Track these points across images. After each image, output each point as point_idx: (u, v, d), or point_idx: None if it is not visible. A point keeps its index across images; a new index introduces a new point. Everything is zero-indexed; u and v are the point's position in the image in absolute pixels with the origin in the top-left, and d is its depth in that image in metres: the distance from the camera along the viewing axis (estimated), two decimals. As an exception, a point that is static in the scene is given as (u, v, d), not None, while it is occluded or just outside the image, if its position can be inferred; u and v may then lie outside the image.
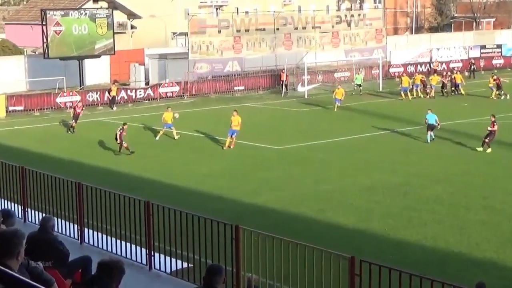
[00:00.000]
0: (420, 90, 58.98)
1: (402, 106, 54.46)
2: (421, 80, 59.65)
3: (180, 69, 62.25)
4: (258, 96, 62.02)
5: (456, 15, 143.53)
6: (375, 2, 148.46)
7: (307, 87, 62.40)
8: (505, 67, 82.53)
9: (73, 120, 45.30)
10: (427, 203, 27.48)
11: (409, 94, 57.68)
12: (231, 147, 38.67)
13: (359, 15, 74.14)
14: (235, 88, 63.82)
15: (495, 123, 37.23)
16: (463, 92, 59.53)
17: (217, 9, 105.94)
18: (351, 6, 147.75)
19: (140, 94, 59.11)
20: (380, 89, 63.00)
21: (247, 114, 50.92)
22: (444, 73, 64.42)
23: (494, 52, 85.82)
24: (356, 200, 28.10)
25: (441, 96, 58.85)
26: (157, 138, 42.08)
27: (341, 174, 32.71)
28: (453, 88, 60.45)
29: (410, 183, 30.58)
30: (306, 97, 60.48)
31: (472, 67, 74.38)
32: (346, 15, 73.45)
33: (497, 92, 56.55)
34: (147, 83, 65.48)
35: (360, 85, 61.55)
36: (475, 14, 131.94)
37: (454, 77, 61.74)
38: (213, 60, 63.03)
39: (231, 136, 38.86)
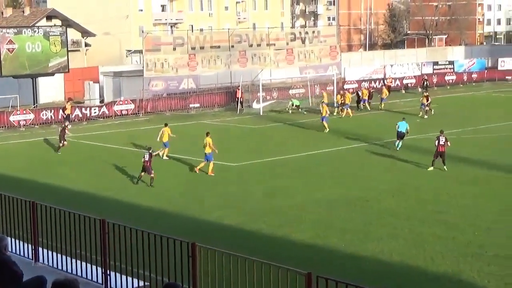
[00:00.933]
0: (340, 109, 59.25)
1: (357, 122, 54.75)
2: (341, 98, 60.20)
3: (135, 86, 62.00)
4: (214, 113, 61.96)
5: (409, 32, 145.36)
6: (329, 20, 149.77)
7: (262, 104, 62.53)
8: (458, 83, 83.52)
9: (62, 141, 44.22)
10: (383, 217, 27.60)
11: (366, 105, 59.15)
12: (206, 172, 36.37)
13: (314, 32, 74.62)
14: (191, 105, 63.68)
15: (438, 141, 36.80)
16: (368, 108, 61.15)
17: (171, 26, 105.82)
18: (306, 24, 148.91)
19: (95, 112, 58.70)
20: (335, 106, 63.27)
21: (202, 131, 50.68)
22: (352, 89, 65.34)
23: (447, 68, 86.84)
24: (314, 215, 28.12)
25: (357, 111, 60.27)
26: (164, 157, 40.66)
27: (299, 189, 32.72)
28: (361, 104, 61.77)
29: (367, 197, 30.71)
30: (261, 114, 60.57)
31: (425, 83, 75.18)
32: (300, 32, 73.91)
33: (427, 109, 55.99)
34: (101, 101, 65.08)
35: (298, 106, 61.44)
36: (428, 31, 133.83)
37: (362, 92, 63.06)
38: (168, 78, 62.86)
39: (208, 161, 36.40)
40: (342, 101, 59.34)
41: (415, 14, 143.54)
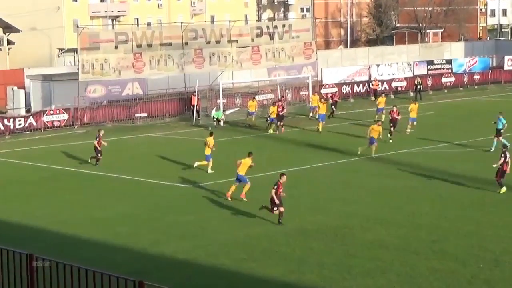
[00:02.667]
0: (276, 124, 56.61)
1: (336, 135, 54.91)
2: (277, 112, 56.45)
3: (69, 93, 61.64)
4: (164, 125, 61.81)
5: (398, 25, 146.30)
6: (302, 11, 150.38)
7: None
8: (457, 86, 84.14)
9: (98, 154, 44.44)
10: (369, 248, 27.65)
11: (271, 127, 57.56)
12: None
13: (284, 26, 74.74)
14: (137, 115, 63.47)
15: (502, 156, 36.17)
16: (271, 131, 56.72)
17: (113, 20, 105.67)
18: (274, 16, 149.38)
19: (20, 124, 58.33)
20: (311, 115, 63.41)
21: (151, 146, 50.73)
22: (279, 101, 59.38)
23: (443, 68, 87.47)
24: (286, 247, 28.10)
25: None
26: (209, 170, 42.05)
27: (267, 216, 32.67)
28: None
29: (349, 225, 30.76)
30: (222, 124, 60.50)
31: (419, 86, 75.38)
32: (268, 27, 73.95)
33: (391, 130, 51.64)
34: (28, 111, 64.68)
35: (218, 120, 60.44)
36: (420, 24, 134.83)
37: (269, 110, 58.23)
38: (109, 82, 62.63)
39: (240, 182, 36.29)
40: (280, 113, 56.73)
41: (405, 4, 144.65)
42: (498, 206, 33.76)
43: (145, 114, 64.08)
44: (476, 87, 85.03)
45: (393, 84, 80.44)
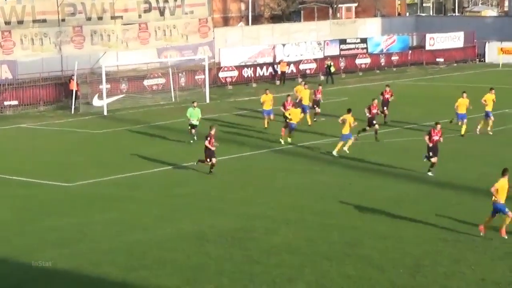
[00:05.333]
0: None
1: (233, 126, 55.09)
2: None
3: None
4: (38, 114, 61.22)
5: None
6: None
7: (106, 100, 62.10)
8: (373, 68, 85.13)
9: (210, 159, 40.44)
10: (274, 253, 27.88)
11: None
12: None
13: (176, 0, 74.64)
14: (5, 103, 62.68)
15: None
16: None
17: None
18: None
19: None
20: (207, 101, 63.63)
21: (22, 139, 50.26)
22: None
23: (358, 48, 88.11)
24: (179, 253, 28.19)
25: None
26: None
27: (158, 219, 32.73)
28: None
29: (250, 228, 30.97)
30: (105, 113, 60.22)
31: (330, 69, 76.02)
32: (157, 1, 73.68)
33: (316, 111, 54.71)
34: None
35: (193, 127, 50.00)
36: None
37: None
38: (-28, 65, 61.94)
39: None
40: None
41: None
42: (417, 203, 34.33)
43: (15, 102, 63.31)
44: (394, 69, 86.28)
45: (301, 66, 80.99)
